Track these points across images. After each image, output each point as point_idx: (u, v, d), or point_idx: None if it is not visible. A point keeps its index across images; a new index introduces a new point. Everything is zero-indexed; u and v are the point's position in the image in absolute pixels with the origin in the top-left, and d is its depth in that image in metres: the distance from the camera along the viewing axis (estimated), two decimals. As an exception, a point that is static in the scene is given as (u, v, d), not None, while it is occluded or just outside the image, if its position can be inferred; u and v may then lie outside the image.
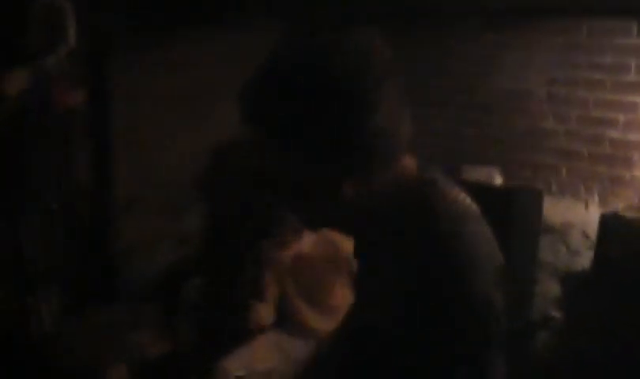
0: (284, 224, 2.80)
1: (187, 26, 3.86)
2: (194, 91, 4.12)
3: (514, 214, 3.91)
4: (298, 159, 1.20)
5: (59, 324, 3.04)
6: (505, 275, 1.20)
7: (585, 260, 4.16)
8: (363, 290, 1.40)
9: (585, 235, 4.22)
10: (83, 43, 3.34)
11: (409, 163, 1.28)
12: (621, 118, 4.09)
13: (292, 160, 1.21)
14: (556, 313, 4.29)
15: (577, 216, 4.31)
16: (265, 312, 2.82)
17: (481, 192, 1.35)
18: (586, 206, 4.30)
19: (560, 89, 4.33)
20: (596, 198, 4.25)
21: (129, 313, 3.03)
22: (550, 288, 4.33)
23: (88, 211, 3.65)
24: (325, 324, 2.80)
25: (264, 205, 2.65)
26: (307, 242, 2.96)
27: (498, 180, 4.51)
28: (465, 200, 1.28)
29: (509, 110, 4.55)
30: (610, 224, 3.72)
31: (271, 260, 2.82)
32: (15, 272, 3.09)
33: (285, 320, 2.91)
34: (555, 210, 4.37)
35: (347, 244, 2.70)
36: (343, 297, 2.85)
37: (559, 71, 4.31)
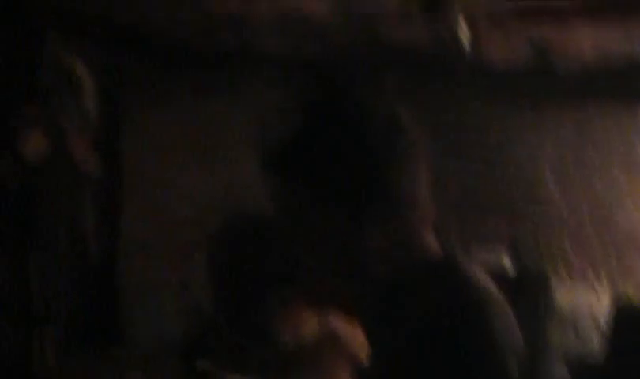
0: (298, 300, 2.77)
1: (197, 80, 3.95)
2: (204, 143, 4.18)
3: (523, 298, 3.88)
4: (323, 221, 1.18)
5: (62, 361, 3.01)
6: (524, 361, 1.19)
7: (595, 345, 4.10)
8: (375, 372, 1.34)
9: (595, 320, 4.17)
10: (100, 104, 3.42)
11: (430, 238, 1.25)
12: (630, 201, 4.11)
13: (317, 223, 1.19)
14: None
15: (586, 301, 4.27)
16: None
17: (489, 275, 1.34)
18: (595, 290, 4.26)
19: (569, 172, 4.35)
20: (606, 282, 4.22)
21: (131, 355, 3.00)
22: (560, 375, 4.25)
23: (95, 252, 3.65)
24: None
25: (281, 280, 2.63)
26: (312, 327, 2.90)
27: (506, 262, 4.49)
28: (487, 280, 1.27)
29: (517, 192, 4.56)
30: (622, 315, 3.69)
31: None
32: (20, 308, 3.08)
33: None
34: (564, 294, 4.33)
35: (349, 329, 2.66)
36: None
37: (568, 153, 4.34)
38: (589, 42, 3.18)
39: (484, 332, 1.13)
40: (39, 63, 3.18)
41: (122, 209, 3.91)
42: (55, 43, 3.19)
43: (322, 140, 1.16)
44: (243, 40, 3.22)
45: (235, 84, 4.06)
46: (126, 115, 3.87)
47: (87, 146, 3.36)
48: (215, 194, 3.99)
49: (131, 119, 3.88)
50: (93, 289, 3.65)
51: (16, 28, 3.09)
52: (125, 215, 3.93)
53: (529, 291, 4.01)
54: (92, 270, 3.64)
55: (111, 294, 3.81)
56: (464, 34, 3.16)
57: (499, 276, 1.34)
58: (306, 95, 1.25)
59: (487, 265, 4.06)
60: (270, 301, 2.53)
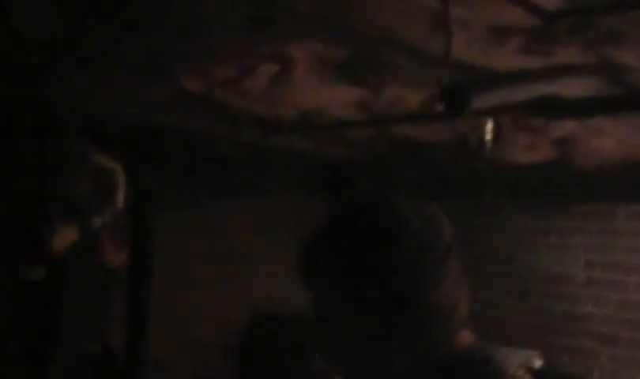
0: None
1: (220, 187, 4.00)
2: (229, 255, 4.19)
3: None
4: (352, 324, 1.19)
5: None
6: None
7: None
8: None
9: (627, 425, 4.04)
10: (131, 204, 3.47)
11: (466, 338, 1.25)
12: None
13: (346, 324, 1.20)
14: None
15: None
16: None
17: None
18: (628, 394, 4.14)
19: (598, 273, 4.31)
20: (638, 385, 4.10)
21: None
22: None
23: (119, 367, 3.64)
24: None
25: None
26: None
27: (537, 364, 4.39)
28: (522, 376, 1.25)
29: (546, 294, 4.52)
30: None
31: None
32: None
33: None
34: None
35: None
36: None
37: (597, 255, 4.32)
38: (611, 141, 3.19)
39: None
40: (76, 164, 3.26)
41: (148, 324, 3.89)
42: (92, 146, 3.28)
43: (353, 249, 1.17)
44: (268, 142, 3.28)
45: (259, 187, 4.11)
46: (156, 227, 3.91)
47: (116, 243, 3.40)
48: (240, 313, 3.99)
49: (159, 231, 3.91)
50: None
51: (55, 130, 3.19)
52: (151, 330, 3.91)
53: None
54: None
55: None
56: (488, 135, 3.19)
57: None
58: (340, 212, 1.25)
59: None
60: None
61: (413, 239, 1.15)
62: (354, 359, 1.24)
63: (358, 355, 1.23)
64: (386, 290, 1.13)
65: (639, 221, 4.16)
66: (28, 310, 3.14)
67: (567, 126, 3.04)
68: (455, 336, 1.21)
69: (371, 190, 1.21)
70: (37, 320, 3.16)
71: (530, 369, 4.13)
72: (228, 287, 4.17)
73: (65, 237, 3.23)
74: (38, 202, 3.24)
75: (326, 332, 1.28)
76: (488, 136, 3.22)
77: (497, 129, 3.20)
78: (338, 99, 2.74)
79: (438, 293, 1.14)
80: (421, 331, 1.16)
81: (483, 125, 3.15)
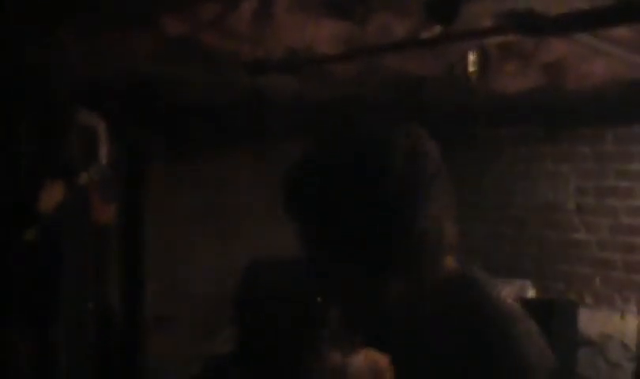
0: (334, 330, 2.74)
1: (215, 143, 3.96)
2: (223, 208, 4.17)
3: (550, 328, 3.82)
4: (344, 256, 1.16)
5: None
6: (557, 376, 1.16)
7: (626, 372, 4.02)
8: None
9: (625, 346, 4.10)
10: (118, 160, 3.44)
11: (452, 263, 1.24)
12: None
13: (338, 258, 1.18)
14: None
15: (614, 327, 4.21)
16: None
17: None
18: (623, 316, 4.20)
19: (590, 199, 4.34)
20: (633, 307, 4.15)
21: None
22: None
23: (118, 326, 3.64)
24: None
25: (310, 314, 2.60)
26: (356, 359, 2.87)
27: (531, 293, 4.44)
28: (508, 299, 1.25)
29: (540, 222, 4.55)
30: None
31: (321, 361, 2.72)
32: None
33: None
34: (592, 322, 4.27)
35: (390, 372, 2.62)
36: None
37: (588, 181, 4.34)
38: (601, 62, 3.17)
39: (509, 347, 1.11)
40: (60, 121, 3.22)
41: (145, 281, 3.87)
42: (75, 103, 3.24)
43: (337, 176, 1.14)
44: (258, 85, 3.24)
45: (252, 137, 4.07)
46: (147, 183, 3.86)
47: (103, 199, 3.38)
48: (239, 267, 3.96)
49: (151, 191, 3.87)
50: (117, 364, 3.61)
51: (41, 93, 3.15)
52: (148, 283, 3.90)
53: (557, 321, 3.96)
54: (116, 344, 3.62)
55: (136, 370, 3.76)
56: (471, 67, 3.16)
57: (524, 307, 1.32)
58: (326, 138, 1.23)
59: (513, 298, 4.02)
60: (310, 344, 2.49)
61: (401, 160, 1.12)
62: (349, 289, 1.23)
63: (351, 283, 1.22)
64: (374, 213, 1.11)
65: (627, 144, 4.17)
66: (26, 274, 3.12)
67: (556, 50, 3.01)
68: (442, 262, 1.21)
69: (366, 125, 1.19)
70: (36, 282, 3.14)
71: (522, 299, 4.18)
72: (227, 242, 4.15)
73: (52, 195, 3.20)
74: (27, 164, 3.21)
75: (319, 266, 1.26)
76: (472, 68, 3.20)
77: (483, 59, 3.17)
78: (323, 34, 2.69)
79: (426, 217, 1.12)
80: (409, 256, 1.14)
81: (466, 57, 3.12)
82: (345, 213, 1.13)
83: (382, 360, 2.75)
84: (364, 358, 2.87)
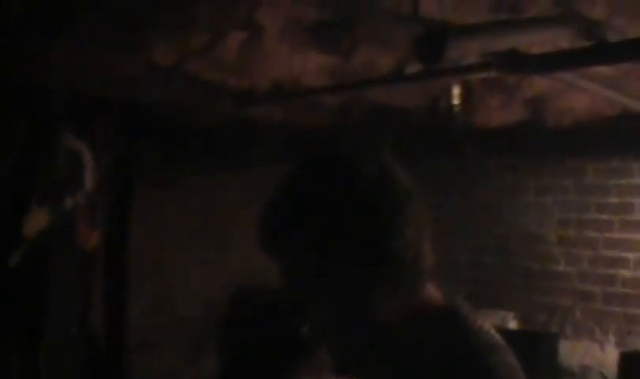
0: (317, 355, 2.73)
1: (202, 169, 3.97)
2: (210, 231, 4.17)
3: (532, 359, 3.83)
4: (322, 288, 1.18)
5: None
6: None
7: (604, 402, 4.05)
8: None
9: (604, 377, 4.13)
10: (104, 182, 3.44)
11: (433, 292, 1.24)
12: (631, 256, 4.12)
13: (317, 289, 1.19)
14: None
15: (594, 358, 4.23)
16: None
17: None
18: (602, 347, 4.23)
19: (572, 231, 4.39)
20: (612, 338, 4.19)
21: None
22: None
23: (102, 349, 3.62)
24: None
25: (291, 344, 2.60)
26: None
27: (512, 324, 4.47)
28: (490, 330, 1.26)
29: (524, 253, 4.59)
30: (630, 363, 3.66)
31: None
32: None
33: None
34: (572, 353, 4.30)
35: None
36: None
37: (570, 213, 4.39)
38: (582, 98, 3.23)
39: (490, 376, 1.12)
40: (47, 146, 3.22)
41: (128, 300, 3.86)
42: (62, 128, 3.24)
43: (311, 204, 1.16)
44: (245, 113, 3.27)
45: (239, 161, 4.08)
46: (135, 203, 3.86)
47: (88, 225, 3.37)
48: (226, 289, 3.95)
49: (138, 211, 3.86)
50: None
51: (29, 114, 3.15)
52: (133, 307, 3.88)
53: (538, 352, 3.98)
54: (100, 363, 3.60)
55: None
56: (455, 100, 3.21)
57: (507, 337, 1.33)
58: (306, 165, 1.26)
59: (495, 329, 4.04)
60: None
61: (370, 187, 1.14)
62: (332, 316, 1.24)
63: (334, 309, 1.23)
64: (349, 239, 1.13)
65: (607, 178, 4.22)
66: (10, 299, 3.11)
67: (538, 86, 3.07)
68: (421, 288, 1.21)
69: (346, 154, 1.21)
70: (23, 308, 3.12)
71: (505, 330, 4.20)
72: (214, 263, 4.15)
73: (37, 220, 3.20)
74: (12, 188, 3.21)
75: (302, 294, 1.28)
76: (456, 101, 3.25)
77: (467, 93, 3.22)
78: (310, 66, 2.73)
79: (399, 241, 1.13)
80: (387, 281, 1.15)
81: (450, 91, 3.17)
82: (320, 243, 1.14)
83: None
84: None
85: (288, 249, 1.20)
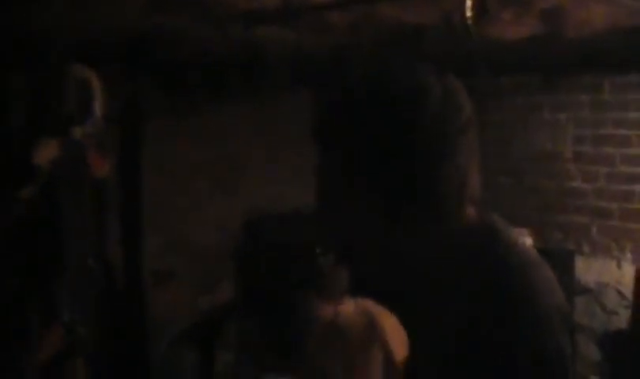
0: (330, 278, 2.75)
1: (214, 97, 3.93)
2: (223, 160, 4.16)
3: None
4: (363, 192, 1.16)
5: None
6: (572, 322, 1.16)
7: (621, 319, 4.07)
8: (419, 349, 1.30)
9: (620, 294, 4.14)
10: (114, 112, 3.41)
11: (473, 213, 1.24)
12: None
13: (356, 194, 1.18)
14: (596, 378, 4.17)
15: (610, 275, 4.24)
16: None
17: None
18: (619, 264, 4.23)
19: (587, 148, 4.34)
20: (629, 255, 4.18)
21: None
22: (588, 352, 4.22)
23: (119, 284, 3.65)
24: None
25: (310, 259, 2.60)
26: (346, 307, 2.90)
27: (528, 242, 4.46)
28: (525, 245, 1.25)
29: (538, 171, 4.55)
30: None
31: (315, 311, 2.75)
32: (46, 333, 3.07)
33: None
34: (588, 270, 4.31)
35: (384, 317, 2.65)
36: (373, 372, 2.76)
37: (585, 129, 4.33)
38: (600, 12, 3.13)
39: (530, 294, 1.12)
40: (55, 75, 3.19)
41: (144, 234, 3.86)
42: (71, 60, 3.20)
43: (371, 113, 1.13)
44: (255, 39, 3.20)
45: (251, 92, 4.03)
46: (145, 137, 3.83)
47: (99, 152, 3.36)
48: (239, 219, 3.94)
49: (150, 145, 3.84)
50: (121, 317, 3.63)
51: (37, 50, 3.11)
52: (149, 239, 3.89)
53: (554, 269, 3.98)
54: (119, 297, 3.63)
55: (140, 322, 3.77)
56: (469, 12, 3.12)
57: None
58: (363, 72, 1.21)
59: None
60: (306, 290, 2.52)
61: (436, 106, 1.12)
62: (364, 238, 1.23)
63: (367, 230, 1.22)
64: (402, 151, 1.12)
65: (625, 93, 4.15)
66: (26, 231, 3.12)
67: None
68: (463, 211, 1.21)
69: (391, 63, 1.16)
70: (37, 244, 3.14)
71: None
72: (227, 194, 4.14)
73: (47, 151, 3.18)
74: (20, 120, 3.19)
75: (333, 215, 1.27)
76: (469, 13, 3.16)
77: (480, 6, 3.13)
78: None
79: (450, 165, 1.13)
80: (431, 200, 1.15)
81: (463, 4, 3.08)
82: (373, 147, 1.13)
83: (374, 307, 2.77)
84: (355, 306, 2.91)
85: (339, 144, 1.18)
